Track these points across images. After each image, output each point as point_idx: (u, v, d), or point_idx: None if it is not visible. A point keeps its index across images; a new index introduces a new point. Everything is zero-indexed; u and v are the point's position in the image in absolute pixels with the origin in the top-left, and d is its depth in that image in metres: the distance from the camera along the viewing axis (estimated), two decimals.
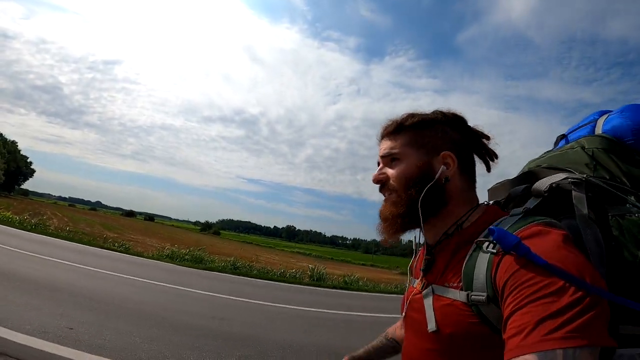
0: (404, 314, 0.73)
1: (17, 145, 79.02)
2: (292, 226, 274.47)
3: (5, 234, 9.70)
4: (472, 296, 0.56)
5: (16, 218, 13.91)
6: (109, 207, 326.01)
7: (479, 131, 0.73)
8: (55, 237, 11.49)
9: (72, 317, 3.72)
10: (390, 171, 0.71)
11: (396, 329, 0.97)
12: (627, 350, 0.55)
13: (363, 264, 32.85)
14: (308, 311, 6.39)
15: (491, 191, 0.83)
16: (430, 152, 0.69)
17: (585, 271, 0.47)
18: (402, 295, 0.79)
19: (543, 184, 0.65)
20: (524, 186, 0.72)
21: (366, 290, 11.15)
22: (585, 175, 0.64)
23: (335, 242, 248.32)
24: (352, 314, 6.73)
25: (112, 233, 19.10)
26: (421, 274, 0.70)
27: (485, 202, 0.73)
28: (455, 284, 0.60)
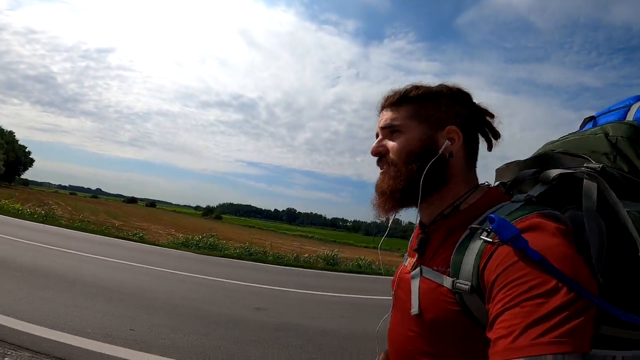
0: (393, 292, 0.72)
1: (14, 136, 78.52)
2: (293, 209, 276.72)
3: (19, 227, 9.70)
4: (457, 284, 0.54)
5: (27, 210, 13.96)
6: (110, 194, 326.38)
7: (484, 108, 0.70)
8: (68, 229, 11.55)
9: (132, 318, 3.67)
10: (390, 143, 0.68)
11: None
12: (601, 351, 0.53)
13: (365, 247, 33.22)
14: (346, 297, 6.51)
15: (498, 172, 0.79)
16: (434, 126, 0.66)
17: (580, 272, 0.46)
18: None
19: (554, 171, 0.60)
20: (533, 170, 0.67)
21: (379, 274, 11.33)
22: (601, 165, 0.58)
23: (336, 224, 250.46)
24: (383, 298, 6.78)
25: (117, 221, 19.20)
26: (414, 253, 0.68)
27: (486, 183, 0.69)
28: (443, 268, 0.58)
